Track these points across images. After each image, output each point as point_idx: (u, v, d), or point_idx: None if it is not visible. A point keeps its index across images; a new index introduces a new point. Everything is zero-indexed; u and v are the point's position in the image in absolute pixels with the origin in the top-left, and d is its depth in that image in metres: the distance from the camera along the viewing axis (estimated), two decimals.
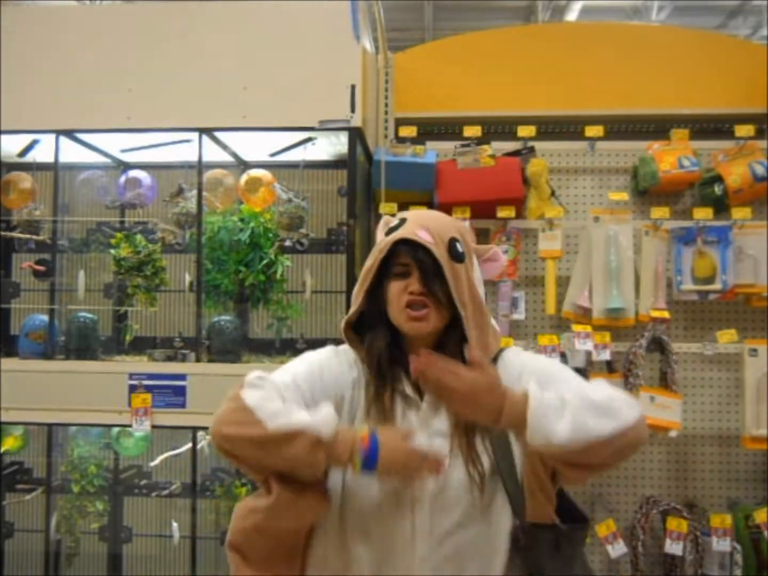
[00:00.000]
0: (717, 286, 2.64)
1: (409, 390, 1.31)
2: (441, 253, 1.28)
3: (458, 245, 1.30)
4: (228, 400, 1.20)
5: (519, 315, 2.74)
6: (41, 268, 2.74)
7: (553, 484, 1.26)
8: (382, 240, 1.33)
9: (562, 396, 1.14)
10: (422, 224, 1.31)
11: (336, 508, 1.27)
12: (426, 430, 1.27)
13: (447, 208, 2.73)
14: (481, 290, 1.34)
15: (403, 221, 1.34)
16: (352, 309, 1.35)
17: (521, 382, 1.24)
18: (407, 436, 1.20)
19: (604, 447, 1.12)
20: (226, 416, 1.18)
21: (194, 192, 2.61)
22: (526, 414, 1.12)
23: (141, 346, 2.78)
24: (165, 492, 2.81)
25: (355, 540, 1.26)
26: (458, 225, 1.38)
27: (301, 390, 1.27)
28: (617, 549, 2.55)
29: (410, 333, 1.30)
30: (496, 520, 1.26)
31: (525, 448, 1.21)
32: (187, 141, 2.58)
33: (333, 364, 1.35)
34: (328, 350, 1.39)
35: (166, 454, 2.78)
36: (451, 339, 1.32)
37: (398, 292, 1.29)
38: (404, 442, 1.19)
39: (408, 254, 1.29)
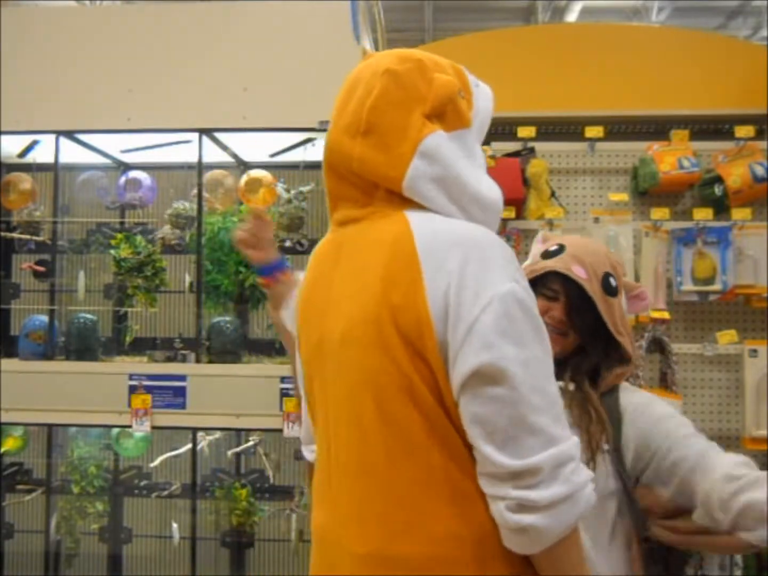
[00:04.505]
0: (717, 286, 2.64)
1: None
2: (594, 289, 1.39)
3: (612, 279, 1.42)
4: None
5: None
6: (41, 268, 2.73)
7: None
8: (537, 261, 1.47)
9: None
10: (579, 259, 1.42)
11: None
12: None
13: None
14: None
15: (561, 248, 1.46)
16: None
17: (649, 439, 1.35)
18: None
19: None
20: None
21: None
22: None
23: (141, 346, 2.77)
24: (165, 493, 2.80)
25: None
26: (611, 258, 1.47)
27: None
28: None
29: None
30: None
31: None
32: (187, 142, 2.58)
33: None
34: None
35: (166, 455, 2.78)
36: (585, 361, 1.43)
37: (540, 312, 1.41)
38: None
39: (561, 284, 1.42)
